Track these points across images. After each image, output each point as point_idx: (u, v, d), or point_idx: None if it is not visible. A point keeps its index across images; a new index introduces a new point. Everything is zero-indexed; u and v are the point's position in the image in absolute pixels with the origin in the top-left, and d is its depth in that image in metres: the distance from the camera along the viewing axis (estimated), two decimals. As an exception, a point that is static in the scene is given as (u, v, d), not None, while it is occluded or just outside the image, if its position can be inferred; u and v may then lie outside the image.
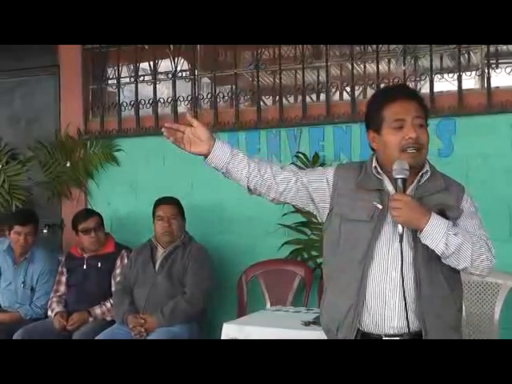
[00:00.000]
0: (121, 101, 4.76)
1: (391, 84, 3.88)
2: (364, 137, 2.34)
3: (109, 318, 4.06)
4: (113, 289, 4.11)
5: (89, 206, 4.76)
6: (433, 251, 2.11)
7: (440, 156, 3.80)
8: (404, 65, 4.00)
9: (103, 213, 4.39)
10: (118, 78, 4.79)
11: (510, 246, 3.48)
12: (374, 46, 4.03)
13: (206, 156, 2.22)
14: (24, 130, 5.17)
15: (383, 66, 4.09)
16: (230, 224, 4.40)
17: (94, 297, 4.13)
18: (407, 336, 2.16)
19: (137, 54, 4.69)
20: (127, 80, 4.79)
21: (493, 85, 3.79)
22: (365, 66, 4.11)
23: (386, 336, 2.19)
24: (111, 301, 4.07)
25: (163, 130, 2.22)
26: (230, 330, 3.12)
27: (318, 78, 4.34)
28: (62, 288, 4.27)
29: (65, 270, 4.29)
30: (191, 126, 2.21)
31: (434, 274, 2.16)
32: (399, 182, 2.13)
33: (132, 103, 4.73)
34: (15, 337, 3.91)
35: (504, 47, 3.87)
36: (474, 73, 3.87)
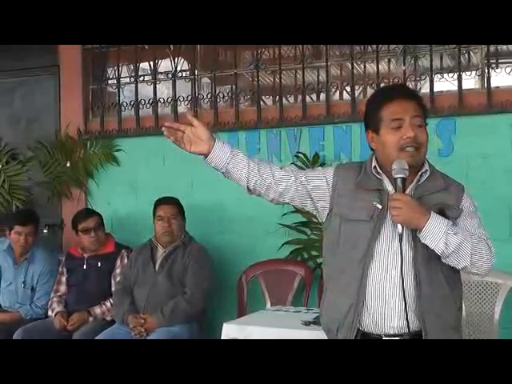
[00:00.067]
0: (121, 101, 4.76)
1: (391, 84, 3.88)
2: (364, 137, 2.34)
3: (109, 318, 4.06)
4: (113, 289, 4.11)
5: (89, 206, 4.76)
6: (432, 251, 2.11)
7: (440, 156, 3.80)
8: (404, 65, 4.01)
9: (103, 213, 4.39)
10: (118, 78, 4.79)
11: (509, 245, 3.48)
12: (374, 46, 4.03)
13: (205, 156, 2.22)
14: (24, 130, 5.17)
15: (383, 66, 4.09)
16: (230, 224, 4.40)
17: (94, 297, 4.13)
18: (407, 336, 2.17)
19: (137, 54, 4.69)
20: (127, 80, 4.79)
21: (493, 85, 3.79)
22: (365, 66, 4.11)
23: (386, 336, 2.19)
24: (111, 301, 4.07)
25: (163, 129, 2.22)
26: (230, 330, 3.12)
27: (317, 77, 4.35)
28: (63, 288, 4.27)
29: (65, 269, 4.29)
30: (191, 125, 2.21)
31: (434, 274, 2.16)
32: (398, 181, 2.13)
33: (132, 103, 4.73)
34: (15, 336, 3.91)
35: (504, 47, 3.87)
36: (473, 73, 3.88)
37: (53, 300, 4.20)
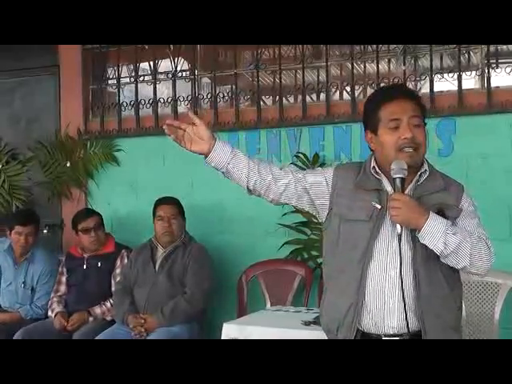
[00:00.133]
0: (121, 101, 4.76)
1: (391, 84, 3.88)
2: (364, 137, 2.34)
3: (109, 318, 4.05)
4: (113, 289, 4.11)
5: (89, 206, 4.76)
6: (432, 251, 2.11)
7: (440, 156, 3.80)
8: (404, 65, 4.01)
9: (103, 213, 4.39)
10: (118, 78, 4.79)
11: (509, 245, 3.49)
12: (374, 46, 4.03)
13: (206, 155, 2.22)
14: (24, 130, 5.17)
15: (383, 66, 4.09)
16: (230, 224, 4.40)
17: (94, 297, 4.13)
18: (407, 336, 2.17)
19: (137, 54, 4.69)
20: (127, 80, 4.79)
21: (493, 85, 3.79)
22: (365, 66, 4.11)
23: (385, 336, 2.19)
24: (111, 301, 4.07)
25: (164, 126, 2.21)
26: (230, 330, 3.12)
27: (317, 77, 4.34)
28: (63, 288, 4.27)
29: (65, 269, 4.29)
30: (193, 124, 2.21)
31: (433, 274, 2.16)
32: (397, 181, 2.13)
33: (132, 103, 4.73)
34: (15, 337, 3.91)
35: (504, 47, 3.87)
36: (474, 73, 3.88)
37: (53, 300, 4.20)
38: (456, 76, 3.88)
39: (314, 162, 4.13)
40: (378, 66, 4.04)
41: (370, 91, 3.99)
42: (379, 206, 2.19)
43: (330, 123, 4.16)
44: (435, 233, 2.08)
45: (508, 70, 3.79)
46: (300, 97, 4.28)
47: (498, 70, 3.82)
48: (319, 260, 3.98)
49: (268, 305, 4.03)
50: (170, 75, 4.61)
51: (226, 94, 4.48)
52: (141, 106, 4.70)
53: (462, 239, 2.10)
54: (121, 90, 4.79)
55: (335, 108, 4.18)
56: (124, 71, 4.84)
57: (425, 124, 2.23)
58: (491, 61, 3.81)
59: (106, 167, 4.79)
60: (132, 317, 3.80)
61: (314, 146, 4.20)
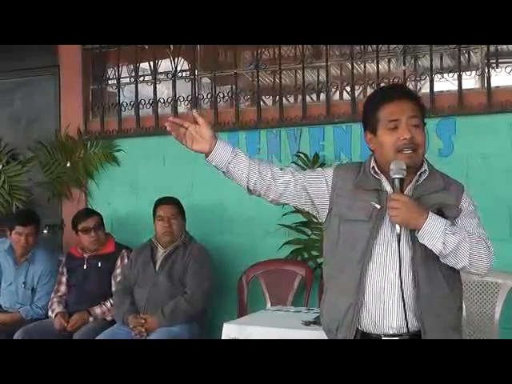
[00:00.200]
0: (121, 101, 4.76)
1: (391, 84, 3.88)
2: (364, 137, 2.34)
3: (109, 318, 4.06)
4: (113, 289, 4.11)
5: (89, 206, 4.76)
6: (431, 251, 2.11)
7: (440, 156, 3.80)
8: (404, 65, 4.01)
9: (103, 213, 4.39)
10: (118, 78, 4.79)
11: (509, 245, 3.49)
12: (374, 46, 4.03)
13: (207, 154, 2.22)
14: (24, 130, 5.17)
15: (383, 66, 4.09)
16: (230, 224, 4.40)
17: (95, 297, 4.13)
18: (406, 336, 2.16)
19: (137, 54, 4.69)
20: (127, 80, 4.79)
21: (493, 84, 3.79)
22: (365, 66, 4.10)
23: (385, 336, 2.19)
24: (111, 301, 4.07)
25: (166, 124, 2.20)
26: (231, 330, 3.12)
27: (317, 77, 4.34)
28: (63, 288, 4.27)
29: (65, 270, 4.29)
30: (195, 122, 2.21)
31: (433, 274, 2.16)
32: (396, 181, 2.13)
33: (132, 103, 4.73)
34: (15, 337, 3.91)
35: (504, 47, 3.87)
36: (474, 72, 3.87)
37: (53, 300, 4.20)
38: (456, 76, 3.88)
39: (314, 162, 4.13)
40: (378, 66, 4.04)
41: (369, 91, 3.99)
42: (379, 206, 2.19)
43: (330, 123, 4.16)
44: (434, 233, 2.08)
45: (508, 69, 3.79)
46: (300, 97, 4.28)
47: (498, 70, 3.82)
48: (319, 260, 3.98)
49: (268, 305, 4.03)
50: (170, 75, 4.62)
51: (226, 94, 4.48)
52: (141, 106, 4.70)
53: (461, 239, 2.09)
54: (121, 90, 4.79)
55: (335, 108, 4.18)
56: (124, 71, 4.84)
57: (424, 124, 2.23)
58: (491, 61, 3.81)
59: (106, 167, 4.79)
60: (132, 317, 3.80)
61: (314, 145, 4.20)
